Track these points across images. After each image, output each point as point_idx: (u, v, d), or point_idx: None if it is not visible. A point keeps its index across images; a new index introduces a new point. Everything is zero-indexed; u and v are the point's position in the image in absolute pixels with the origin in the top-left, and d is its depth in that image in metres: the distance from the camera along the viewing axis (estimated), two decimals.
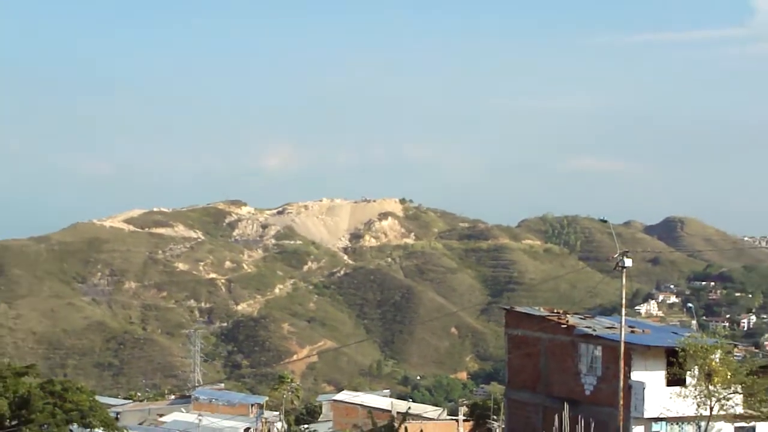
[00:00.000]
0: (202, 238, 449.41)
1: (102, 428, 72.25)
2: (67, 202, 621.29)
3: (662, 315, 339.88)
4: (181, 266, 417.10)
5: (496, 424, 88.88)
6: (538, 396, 63.18)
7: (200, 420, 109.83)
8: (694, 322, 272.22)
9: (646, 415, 55.01)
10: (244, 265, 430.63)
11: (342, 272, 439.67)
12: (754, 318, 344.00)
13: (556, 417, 52.81)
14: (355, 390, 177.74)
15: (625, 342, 54.08)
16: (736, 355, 59.53)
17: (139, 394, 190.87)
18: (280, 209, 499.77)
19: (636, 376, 55.42)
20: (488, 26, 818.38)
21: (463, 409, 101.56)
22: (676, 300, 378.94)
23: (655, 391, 55.08)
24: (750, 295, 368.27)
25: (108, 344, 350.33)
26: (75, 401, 69.12)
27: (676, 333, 62.02)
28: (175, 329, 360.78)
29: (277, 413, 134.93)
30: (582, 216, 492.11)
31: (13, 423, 66.64)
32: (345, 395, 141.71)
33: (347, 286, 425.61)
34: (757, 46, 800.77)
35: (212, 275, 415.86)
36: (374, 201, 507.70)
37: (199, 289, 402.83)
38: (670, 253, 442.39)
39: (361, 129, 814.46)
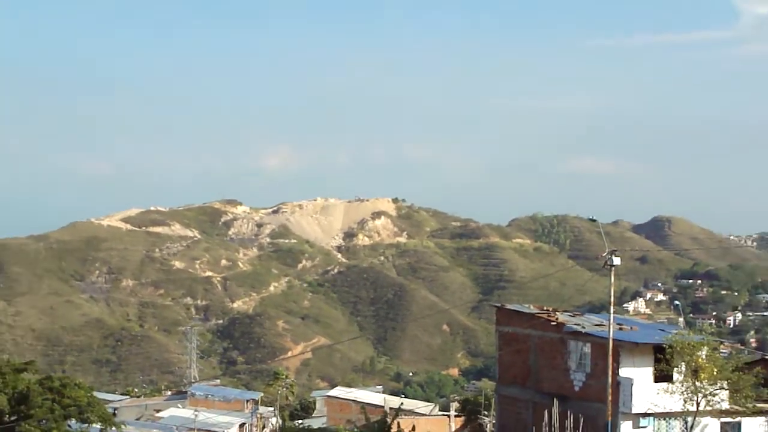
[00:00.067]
0: (199, 236, 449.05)
1: (100, 423, 72.22)
2: (65, 202, 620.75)
3: (650, 312, 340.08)
4: (177, 264, 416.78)
5: (487, 419, 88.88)
6: (528, 392, 63.17)
7: (196, 415, 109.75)
8: (681, 319, 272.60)
9: (634, 410, 55.01)
10: (240, 264, 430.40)
11: (336, 270, 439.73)
12: (739, 315, 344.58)
13: (546, 412, 52.83)
14: (349, 386, 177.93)
15: (613, 339, 54.09)
16: (722, 352, 59.49)
17: (136, 390, 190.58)
18: (275, 208, 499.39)
19: (624, 372, 55.41)
20: (487, 27, 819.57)
21: (454, 405, 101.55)
22: (664, 298, 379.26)
23: (642, 387, 55.08)
24: (736, 293, 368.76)
25: (106, 341, 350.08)
26: (73, 397, 69.08)
27: (663, 330, 62.00)
28: (172, 326, 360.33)
29: (272, 409, 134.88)
30: (571, 215, 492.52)
31: (13, 418, 66.61)
32: (339, 391, 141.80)
33: (341, 284, 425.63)
34: (743, 49, 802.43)
35: (208, 273, 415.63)
36: (367, 200, 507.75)
37: (195, 286, 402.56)
38: (658, 252, 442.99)
39: (359, 129, 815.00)
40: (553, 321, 61.70)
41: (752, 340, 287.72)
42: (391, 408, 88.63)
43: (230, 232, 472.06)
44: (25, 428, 65.26)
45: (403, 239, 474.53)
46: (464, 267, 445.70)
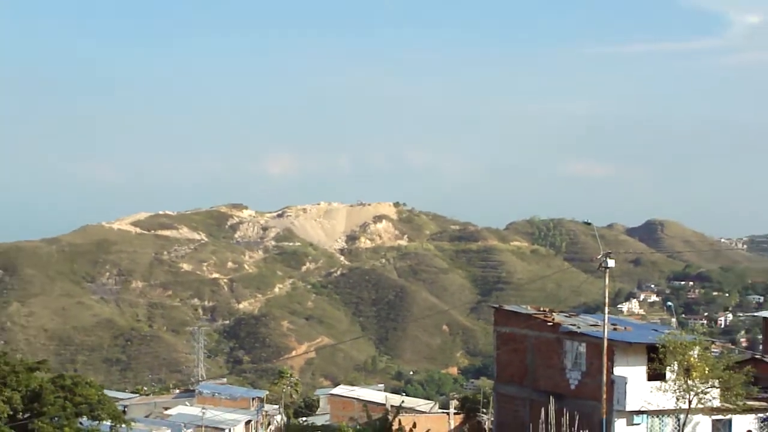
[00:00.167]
0: (206, 239, 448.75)
1: (110, 421, 72.20)
2: (77, 206, 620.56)
3: (643, 313, 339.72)
4: (185, 266, 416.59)
5: (485, 417, 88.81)
6: (526, 390, 63.14)
7: (204, 413, 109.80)
8: (673, 319, 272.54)
9: (628, 408, 55.01)
10: (246, 266, 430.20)
11: (338, 272, 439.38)
12: (730, 316, 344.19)
13: (543, 410, 52.75)
14: (351, 384, 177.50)
15: (608, 339, 54.10)
16: (713, 352, 59.48)
17: (145, 388, 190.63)
18: (280, 212, 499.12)
19: (618, 371, 55.41)
20: (487, 33, 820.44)
21: (454, 403, 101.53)
22: (657, 299, 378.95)
23: (636, 386, 55.08)
24: (727, 294, 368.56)
25: (116, 341, 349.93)
26: (84, 395, 69.06)
27: (656, 330, 62.01)
28: (180, 327, 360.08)
29: (277, 407, 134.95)
30: (567, 219, 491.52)
31: (26, 416, 66.60)
32: (341, 389, 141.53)
33: (343, 285, 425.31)
34: (735, 57, 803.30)
35: (215, 275, 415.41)
36: (369, 204, 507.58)
37: (202, 288, 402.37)
38: (651, 254, 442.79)
39: (360, 135, 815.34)
40: (550, 321, 61.67)
41: (742, 339, 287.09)
42: (392, 406, 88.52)
43: (236, 236, 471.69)
44: (38, 425, 65.24)
45: (403, 242, 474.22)
46: (463, 269, 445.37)
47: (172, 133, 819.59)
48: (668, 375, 54.47)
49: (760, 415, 58.08)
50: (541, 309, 67.51)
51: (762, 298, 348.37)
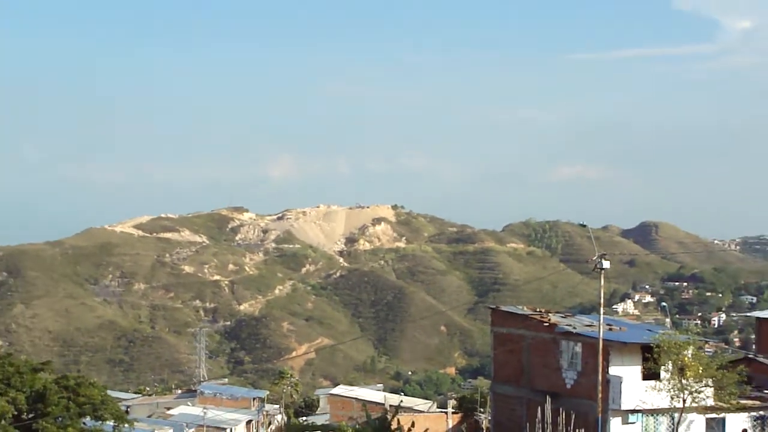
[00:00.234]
0: (207, 242, 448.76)
1: (113, 421, 72.06)
2: (80, 209, 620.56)
3: (638, 313, 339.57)
4: (187, 269, 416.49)
5: (482, 416, 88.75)
6: (522, 389, 63.14)
7: (205, 413, 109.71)
8: (667, 320, 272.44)
9: (623, 407, 55.02)
10: (246, 268, 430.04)
11: (338, 274, 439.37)
12: (723, 316, 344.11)
13: (539, 409, 52.74)
14: (351, 384, 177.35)
15: (603, 339, 54.09)
16: (707, 351, 59.56)
17: (147, 388, 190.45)
18: (280, 215, 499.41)
19: (613, 370, 55.43)
20: (482, 40, 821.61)
21: (451, 403, 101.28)
22: (651, 299, 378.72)
23: (631, 385, 55.09)
24: (720, 295, 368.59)
25: (119, 342, 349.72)
26: (88, 395, 68.92)
27: (651, 330, 62.00)
28: (182, 328, 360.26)
29: (278, 406, 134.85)
30: (563, 221, 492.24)
31: (30, 416, 66.48)
32: (341, 389, 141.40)
33: (343, 287, 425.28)
34: (725, 61, 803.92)
35: (216, 277, 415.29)
36: (368, 207, 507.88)
37: (204, 290, 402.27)
38: (646, 256, 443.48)
39: (359, 139, 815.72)
40: (546, 322, 61.68)
41: (736, 339, 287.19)
42: (391, 405, 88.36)
43: (237, 238, 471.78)
44: (42, 425, 65.14)
45: (402, 244, 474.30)
46: (460, 270, 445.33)
47: (173, 138, 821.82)
48: (663, 374, 54.46)
49: (753, 413, 58.10)
50: (538, 310, 67.53)
51: (754, 299, 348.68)
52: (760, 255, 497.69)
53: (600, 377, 53.77)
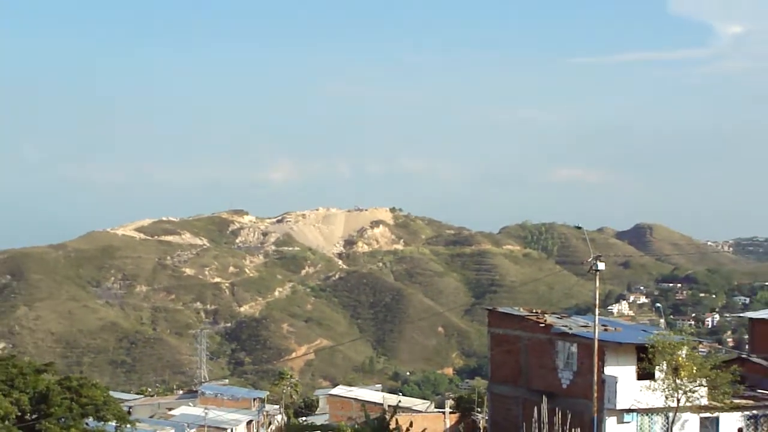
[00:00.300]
0: (208, 245, 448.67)
1: (115, 421, 72.04)
2: (82, 213, 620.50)
3: (633, 314, 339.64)
4: (188, 271, 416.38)
5: (480, 416, 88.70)
6: (519, 389, 63.10)
7: (206, 413, 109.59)
8: (662, 320, 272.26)
9: (619, 406, 54.98)
10: (247, 270, 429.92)
11: (337, 276, 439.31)
12: (717, 317, 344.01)
13: (536, 409, 52.72)
14: (350, 385, 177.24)
15: (598, 339, 54.09)
16: (700, 351, 59.47)
17: (149, 389, 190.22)
18: (280, 218, 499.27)
19: (609, 370, 55.39)
20: (481, 42, 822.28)
21: (449, 403, 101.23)
22: (646, 300, 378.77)
23: (626, 385, 55.05)
24: (713, 296, 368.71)
25: (121, 343, 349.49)
26: (90, 396, 68.89)
27: (645, 331, 61.98)
28: (183, 329, 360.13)
29: (278, 407, 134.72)
30: (559, 223, 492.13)
31: (34, 417, 66.49)
32: (340, 390, 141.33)
33: (342, 288, 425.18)
34: (718, 65, 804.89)
35: (217, 279, 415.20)
36: (366, 210, 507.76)
37: (204, 292, 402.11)
38: (640, 257, 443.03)
39: (357, 143, 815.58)
40: (542, 323, 61.65)
41: (729, 339, 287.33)
42: (389, 405, 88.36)
43: (237, 241, 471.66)
44: (45, 426, 65.12)
45: (400, 246, 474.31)
46: (458, 272, 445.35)
47: (174, 141, 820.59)
48: (657, 374, 54.44)
49: (747, 413, 58.11)
50: (534, 311, 67.46)
51: (747, 299, 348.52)
52: (753, 256, 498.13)
53: (595, 377, 53.75)
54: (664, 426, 55.87)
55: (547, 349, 60.64)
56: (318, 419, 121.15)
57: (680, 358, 53.60)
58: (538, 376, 61.33)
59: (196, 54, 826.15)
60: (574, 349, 58.42)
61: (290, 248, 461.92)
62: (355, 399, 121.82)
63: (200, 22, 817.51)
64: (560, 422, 50.30)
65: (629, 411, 55.32)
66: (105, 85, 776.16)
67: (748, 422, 58.04)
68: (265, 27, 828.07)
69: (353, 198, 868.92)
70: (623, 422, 55.47)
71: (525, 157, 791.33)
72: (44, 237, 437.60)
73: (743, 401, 58.02)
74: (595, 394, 53.73)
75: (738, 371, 55.87)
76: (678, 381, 53.34)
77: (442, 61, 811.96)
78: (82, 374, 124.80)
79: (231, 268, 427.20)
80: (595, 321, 54.68)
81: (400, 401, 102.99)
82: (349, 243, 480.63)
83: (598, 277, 53.88)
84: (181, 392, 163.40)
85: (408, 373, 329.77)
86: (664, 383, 53.71)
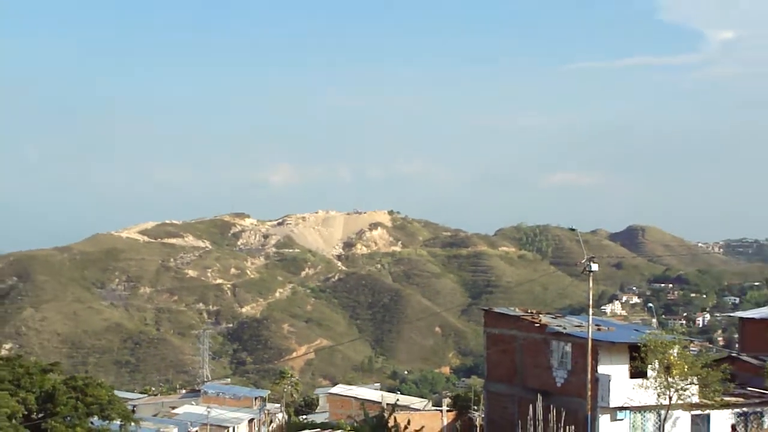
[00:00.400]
0: (210, 247, 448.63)
1: (120, 420, 72.03)
2: (87, 216, 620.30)
3: (625, 314, 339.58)
4: (190, 273, 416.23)
5: (476, 413, 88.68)
6: (514, 388, 63.11)
7: (209, 412, 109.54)
8: (654, 320, 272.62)
9: (612, 404, 54.99)
10: (248, 272, 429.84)
11: (336, 277, 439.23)
12: (707, 316, 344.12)
13: (531, 407, 52.69)
14: (349, 384, 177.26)
15: (592, 339, 54.10)
16: (692, 350, 59.50)
17: (153, 388, 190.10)
18: (280, 221, 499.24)
19: (602, 369, 55.40)
20: (478, 48, 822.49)
21: (446, 401, 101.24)
22: (638, 300, 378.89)
23: (619, 383, 55.07)
24: (704, 296, 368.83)
25: (125, 344, 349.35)
26: (95, 395, 68.89)
27: (638, 330, 62.00)
28: (186, 330, 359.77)
29: (279, 405, 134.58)
30: (553, 225, 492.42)
31: (40, 416, 66.47)
32: (339, 389, 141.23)
33: (341, 290, 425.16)
34: (710, 70, 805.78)
35: (219, 281, 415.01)
36: (365, 213, 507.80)
37: (207, 293, 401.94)
38: (633, 258, 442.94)
39: (357, 147, 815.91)
40: (537, 323, 61.66)
41: (719, 338, 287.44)
42: (388, 404, 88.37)
43: (239, 243, 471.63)
44: (51, 425, 65.13)
45: (398, 248, 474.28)
46: (454, 273, 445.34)
47: (176, 145, 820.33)
48: (649, 373, 54.45)
49: (737, 410, 58.14)
50: (529, 311, 67.49)
51: (737, 299, 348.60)
52: (743, 257, 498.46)
53: (589, 376, 53.75)
54: (657, 423, 55.89)
55: (541, 348, 60.65)
56: (318, 417, 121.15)
57: (672, 357, 53.61)
58: (533, 375, 61.33)
59: (196, 58, 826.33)
60: (568, 348, 58.44)
61: (290, 250, 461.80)
62: (354, 398, 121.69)
63: (201, 28, 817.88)
64: (555, 420, 50.29)
65: (622, 409, 55.34)
66: (105, 85, 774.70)
67: (738, 419, 58.08)
68: (265, 32, 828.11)
69: (352, 201, 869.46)
70: (616, 420, 55.50)
71: (520, 161, 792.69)
72: (50, 240, 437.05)
73: (733, 399, 58.10)
74: (589, 393, 53.74)
75: (728, 369, 55.91)
76: (670, 379, 53.36)
77: (441, 67, 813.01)
78: (87, 374, 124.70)
79: (233, 270, 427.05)
80: (588, 321, 54.69)
81: (398, 400, 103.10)
82: (348, 245, 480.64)
83: (591, 278, 53.86)
84: (184, 391, 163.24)
85: (406, 372, 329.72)
86: (656, 381, 53.74)
